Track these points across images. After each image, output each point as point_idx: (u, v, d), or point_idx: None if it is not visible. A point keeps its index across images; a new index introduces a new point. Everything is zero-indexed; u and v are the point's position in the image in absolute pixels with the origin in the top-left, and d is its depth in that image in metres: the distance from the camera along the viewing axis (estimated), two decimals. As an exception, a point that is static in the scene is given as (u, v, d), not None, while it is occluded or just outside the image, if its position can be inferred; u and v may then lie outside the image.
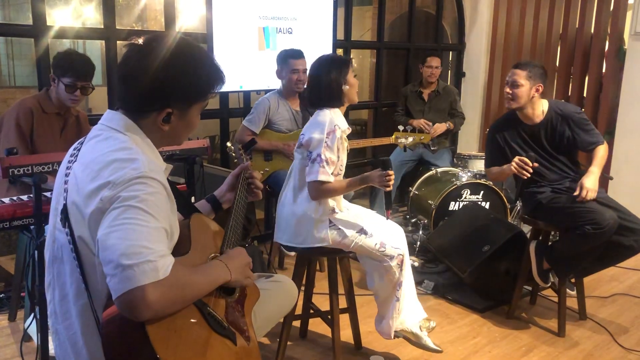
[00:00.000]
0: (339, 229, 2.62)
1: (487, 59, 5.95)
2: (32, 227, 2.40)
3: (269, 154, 3.77)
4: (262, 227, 4.58)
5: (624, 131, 4.88)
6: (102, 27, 3.68)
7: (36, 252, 2.33)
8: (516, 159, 3.09)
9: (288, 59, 3.71)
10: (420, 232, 4.34)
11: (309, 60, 3.73)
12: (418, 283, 3.73)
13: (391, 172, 2.52)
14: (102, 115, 1.53)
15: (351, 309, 2.90)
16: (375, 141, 3.76)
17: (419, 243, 4.25)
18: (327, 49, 4.53)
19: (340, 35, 4.88)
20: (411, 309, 2.77)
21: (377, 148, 5.33)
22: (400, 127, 3.71)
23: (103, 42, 3.74)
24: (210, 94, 1.52)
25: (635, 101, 4.87)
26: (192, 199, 2.77)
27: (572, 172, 3.25)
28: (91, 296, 1.38)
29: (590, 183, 3.02)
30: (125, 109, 1.48)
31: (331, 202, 2.63)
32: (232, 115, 4.39)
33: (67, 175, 1.44)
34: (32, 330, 2.58)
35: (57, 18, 7.11)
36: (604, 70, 5.25)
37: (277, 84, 3.90)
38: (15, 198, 2.52)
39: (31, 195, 2.42)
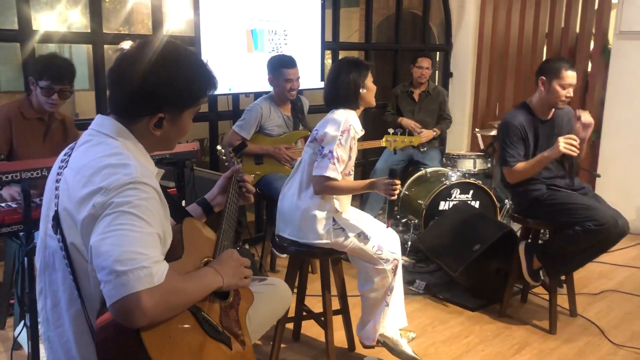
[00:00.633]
0: (342, 229, 2.62)
1: (474, 59, 5.98)
2: (21, 233, 2.37)
3: (259, 157, 3.77)
4: (252, 229, 4.57)
5: (610, 129, 4.93)
6: (89, 31, 3.65)
7: (26, 258, 2.31)
8: (562, 138, 3.00)
9: (281, 68, 3.69)
10: (411, 232, 4.36)
11: (297, 63, 3.76)
12: (409, 283, 3.74)
13: (397, 182, 2.53)
14: (89, 119, 1.52)
15: (344, 311, 2.90)
16: (366, 144, 3.77)
17: (409, 243, 4.26)
18: (316, 51, 4.53)
19: (329, 37, 4.89)
20: (395, 316, 2.77)
21: (366, 149, 5.33)
22: (390, 130, 3.72)
23: (89, 46, 3.72)
24: (202, 99, 1.52)
25: (620, 100, 4.93)
26: (183, 203, 2.76)
27: (565, 171, 3.27)
28: (84, 303, 1.37)
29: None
30: (117, 114, 1.47)
31: (336, 202, 2.65)
32: (221, 118, 4.38)
33: (57, 181, 1.43)
34: (23, 339, 2.55)
35: (43, 22, 7.05)
36: (589, 70, 5.31)
37: (266, 86, 3.89)
38: (3, 205, 2.50)
39: (20, 202, 2.40)
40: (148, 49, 1.45)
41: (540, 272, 3.29)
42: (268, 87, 3.86)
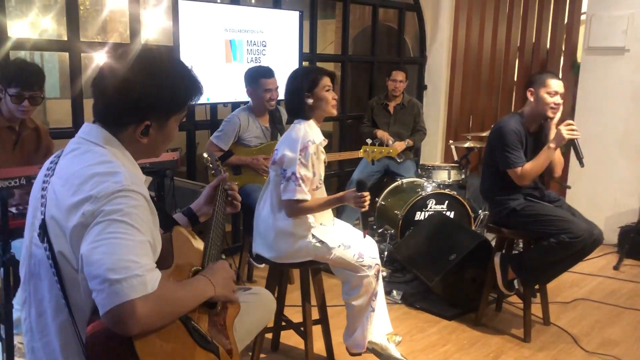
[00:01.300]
0: (322, 242, 2.63)
1: (448, 72, 6.09)
2: (-3, 244, 2.33)
3: (237, 168, 3.77)
4: (229, 240, 4.56)
5: (580, 142, 5.04)
6: (65, 39, 3.61)
7: (2, 269, 2.26)
8: (563, 126, 3.12)
9: (260, 78, 3.70)
10: (388, 242, 4.39)
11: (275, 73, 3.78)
12: (387, 293, 3.75)
13: (367, 194, 2.54)
14: (61, 129, 1.51)
15: (323, 321, 2.91)
16: (344, 155, 3.80)
17: (386, 253, 4.30)
18: (294, 62, 4.56)
19: (306, 48, 4.93)
20: (381, 321, 2.80)
21: (343, 160, 5.37)
22: (369, 141, 3.76)
23: (61, 54, 3.67)
24: (187, 106, 1.52)
25: (589, 114, 5.07)
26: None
27: (542, 184, 3.35)
28: (72, 312, 1.36)
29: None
30: (103, 122, 1.47)
31: (310, 217, 2.64)
32: (199, 128, 4.37)
33: (44, 189, 1.42)
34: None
35: (17, 30, 6.92)
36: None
37: (244, 96, 3.90)
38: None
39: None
40: (133, 57, 1.45)
41: (515, 282, 3.36)
42: (246, 97, 3.87)
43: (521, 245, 4.04)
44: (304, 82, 2.63)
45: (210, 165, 2.07)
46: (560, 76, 5.37)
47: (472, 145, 4.81)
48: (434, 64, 6.14)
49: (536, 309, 3.49)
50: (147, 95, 1.43)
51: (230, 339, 1.58)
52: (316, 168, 2.62)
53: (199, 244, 1.66)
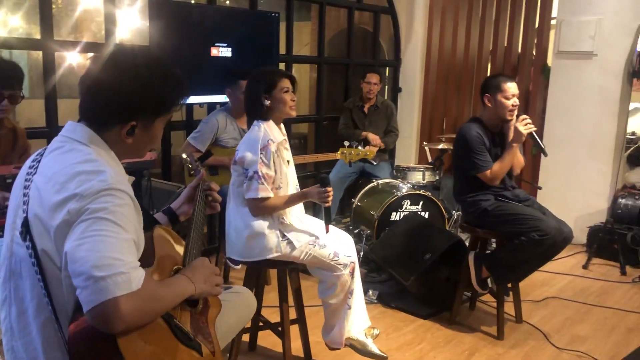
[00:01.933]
0: (289, 241, 2.65)
1: (422, 75, 6.17)
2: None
3: (214, 169, 3.77)
4: (205, 241, 4.54)
5: (551, 144, 5.15)
6: (38, 37, 3.57)
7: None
8: (518, 123, 3.20)
9: (238, 79, 3.71)
10: (363, 243, 4.43)
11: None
12: (363, 292, 3.80)
13: (330, 189, 2.60)
14: (31, 128, 1.50)
15: (301, 320, 2.93)
16: (322, 156, 3.83)
17: (362, 253, 4.34)
18: (270, 64, 4.56)
19: (282, 50, 4.94)
20: (358, 317, 2.84)
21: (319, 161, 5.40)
22: (346, 143, 3.79)
23: (30, 52, 3.62)
24: (174, 107, 1.53)
25: (559, 116, 5.20)
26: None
27: (510, 182, 3.42)
28: (55, 310, 1.36)
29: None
30: (89, 121, 1.47)
31: (276, 215, 2.67)
32: (174, 128, 4.35)
33: (26, 187, 1.41)
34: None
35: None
36: (530, 87, 5.57)
37: (220, 96, 3.89)
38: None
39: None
40: (121, 56, 1.46)
41: (488, 281, 3.43)
42: (222, 98, 3.87)
43: (494, 244, 4.11)
44: (261, 83, 2.67)
45: (190, 166, 2.08)
46: (531, 79, 5.52)
47: (445, 146, 4.89)
48: (408, 67, 6.22)
49: (509, 307, 3.56)
50: (134, 96, 1.44)
51: (212, 337, 1.60)
52: (277, 166, 2.65)
53: (179, 243, 1.67)
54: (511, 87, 3.25)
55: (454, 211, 4.81)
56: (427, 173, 4.74)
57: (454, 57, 5.99)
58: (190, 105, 4.32)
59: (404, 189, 4.49)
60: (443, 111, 6.18)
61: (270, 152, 2.59)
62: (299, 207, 2.83)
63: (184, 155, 2.14)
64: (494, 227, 3.29)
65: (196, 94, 4.11)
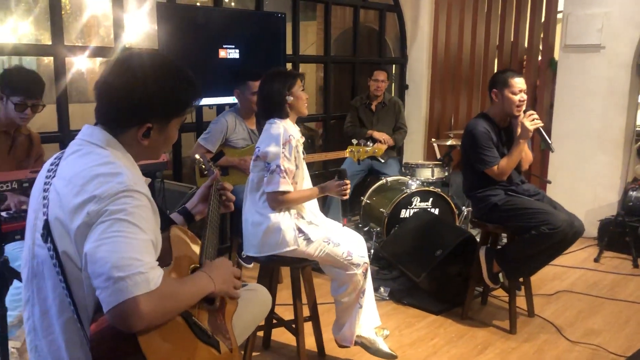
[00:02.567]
0: (307, 236, 2.68)
1: (429, 72, 6.18)
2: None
3: (225, 169, 3.80)
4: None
5: (559, 138, 5.17)
6: (49, 43, 3.61)
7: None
8: (525, 119, 3.21)
9: (247, 80, 3.74)
10: (374, 240, 4.45)
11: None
12: (374, 289, 3.82)
13: (347, 182, 2.68)
14: (48, 133, 1.53)
15: (314, 317, 2.95)
16: (330, 155, 3.85)
17: (372, 251, 4.35)
18: (277, 64, 4.59)
19: (289, 50, 4.97)
20: (369, 316, 2.86)
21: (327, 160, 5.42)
22: (354, 141, 3.81)
23: (37, 58, 3.66)
24: (188, 108, 1.56)
25: (567, 110, 5.18)
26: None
27: (519, 177, 3.43)
28: (77, 310, 1.39)
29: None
30: (105, 124, 1.50)
31: (294, 210, 2.71)
32: (184, 130, 4.38)
33: (45, 190, 1.44)
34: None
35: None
36: (537, 82, 5.56)
37: (229, 99, 3.92)
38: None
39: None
40: (135, 60, 1.49)
41: (500, 275, 3.44)
42: (231, 100, 3.90)
43: (505, 239, 4.12)
44: (283, 82, 2.73)
45: (203, 166, 2.11)
46: (538, 74, 5.51)
47: (454, 143, 4.89)
48: (414, 64, 6.22)
49: (521, 302, 3.57)
50: (149, 98, 1.47)
51: (230, 334, 1.62)
52: (298, 161, 2.71)
53: (195, 242, 1.70)
54: (518, 83, 3.26)
55: (463, 207, 4.81)
56: (436, 169, 4.75)
57: (461, 53, 6.00)
58: (200, 108, 4.35)
59: (413, 185, 4.50)
60: (451, 107, 6.18)
61: (292, 147, 2.65)
62: (314, 203, 2.86)
63: (197, 156, 2.17)
64: (504, 221, 3.30)
65: (205, 96, 4.14)
